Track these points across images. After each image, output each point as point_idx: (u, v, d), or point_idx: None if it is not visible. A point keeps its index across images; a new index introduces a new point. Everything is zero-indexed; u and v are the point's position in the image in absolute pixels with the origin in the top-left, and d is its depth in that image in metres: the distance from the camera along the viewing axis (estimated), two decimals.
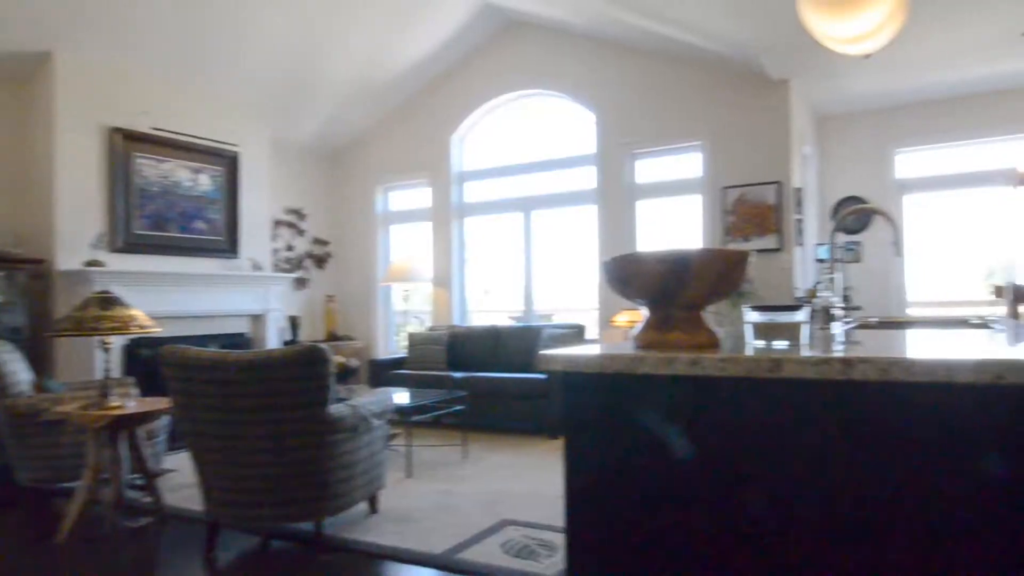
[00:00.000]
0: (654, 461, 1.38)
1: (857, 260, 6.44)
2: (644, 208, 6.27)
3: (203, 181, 5.90)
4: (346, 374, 4.66)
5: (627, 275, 1.57)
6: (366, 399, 3.25)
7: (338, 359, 4.29)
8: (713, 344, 1.55)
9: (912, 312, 6.41)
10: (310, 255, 7.41)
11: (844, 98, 6.10)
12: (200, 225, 5.85)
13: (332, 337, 7.18)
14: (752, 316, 1.60)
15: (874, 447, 1.18)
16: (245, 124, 6.31)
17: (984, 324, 2.36)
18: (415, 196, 7.44)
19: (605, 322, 6.07)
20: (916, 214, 6.42)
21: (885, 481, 1.17)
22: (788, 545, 1.25)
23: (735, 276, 1.55)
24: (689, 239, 5.99)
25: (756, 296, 5.21)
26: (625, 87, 6.16)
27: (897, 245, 2.36)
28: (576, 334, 6.07)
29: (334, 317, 7.35)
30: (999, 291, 4.87)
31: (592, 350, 1.51)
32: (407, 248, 7.48)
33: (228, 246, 6.08)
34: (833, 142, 6.62)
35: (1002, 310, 5.04)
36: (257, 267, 6.28)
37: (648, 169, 6.27)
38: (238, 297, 6.06)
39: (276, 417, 2.77)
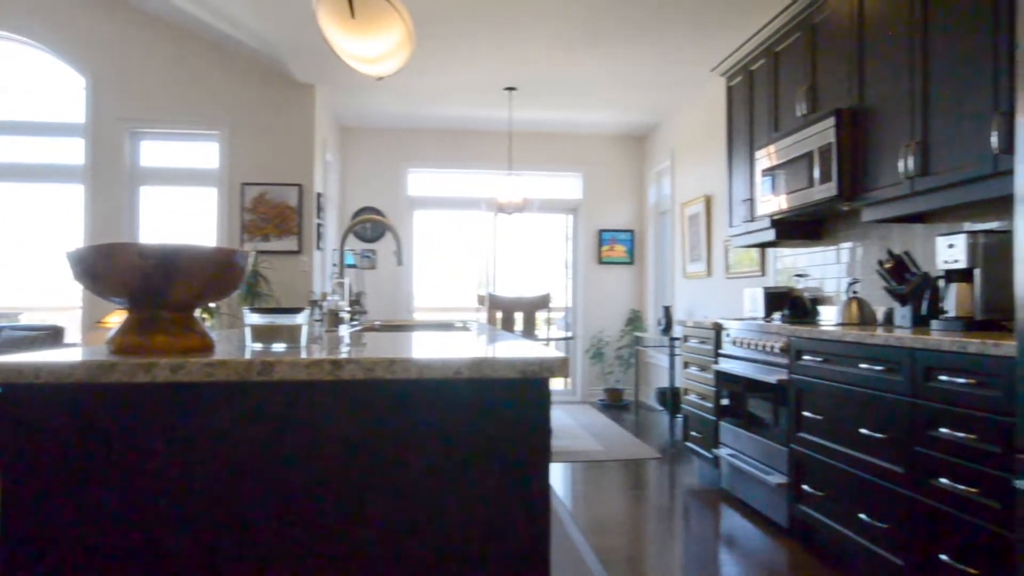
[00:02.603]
0: (124, 487, 1.18)
1: (373, 267, 6.98)
2: (151, 196, 5.62)
3: None
4: None
5: (99, 269, 1.31)
6: None
7: None
8: (206, 348, 1.41)
9: (417, 316, 7.26)
10: None
11: (366, 113, 6.55)
12: None
13: None
14: (251, 318, 1.51)
15: (368, 443, 1.22)
16: None
17: (465, 327, 2.75)
18: None
19: (92, 323, 5.23)
20: (424, 228, 7.31)
21: (376, 475, 1.22)
22: (291, 552, 1.20)
23: (232, 276, 1.45)
24: (203, 234, 5.60)
25: (274, 298, 5.18)
26: (134, 57, 5.43)
27: (398, 255, 2.57)
28: (50, 336, 5.05)
29: None
30: (481, 300, 5.87)
31: (42, 356, 1.22)
32: None
33: None
34: (355, 153, 7.05)
35: (483, 315, 6.09)
36: None
37: (156, 153, 5.64)
38: None
39: None
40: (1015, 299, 1.75)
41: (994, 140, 2.25)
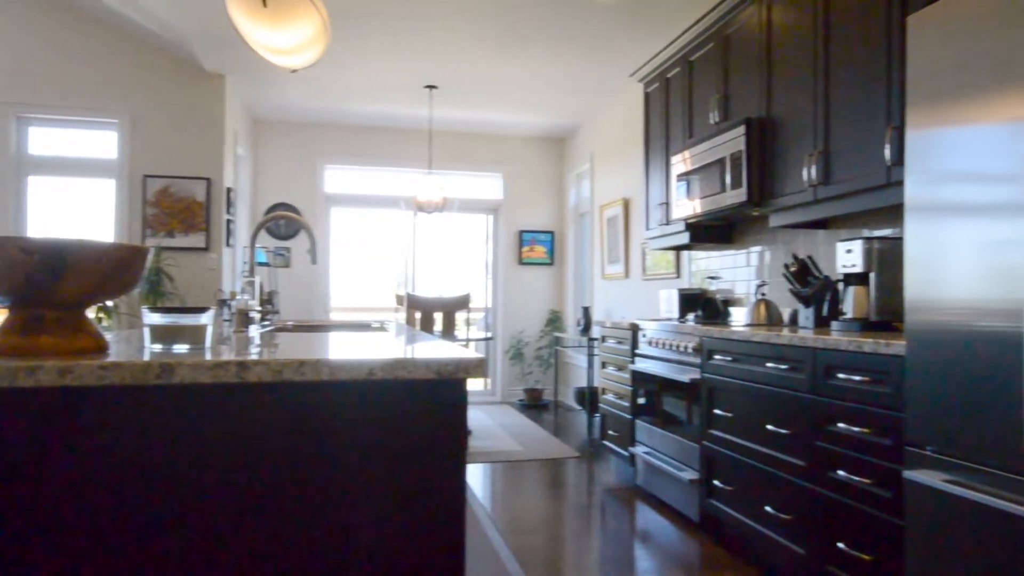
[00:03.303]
0: (4, 499, 1.07)
1: (287, 265, 6.76)
2: (40, 187, 5.23)
3: None
4: None
5: None
6: None
7: None
8: (99, 350, 1.31)
9: (334, 316, 7.08)
10: None
11: (280, 106, 6.34)
12: None
13: None
14: (151, 318, 1.42)
15: (277, 449, 1.16)
16: None
17: (382, 328, 2.70)
18: None
19: None
20: (341, 226, 7.13)
21: (286, 482, 1.16)
22: (194, 565, 1.12)
23: (130, 274, 1.35)
24: (101, 229, 5.26)
25: (179, 297, 4.93)
26: (22, 36, 5.04)
27: (312, 253, 2.49)
28: None
29: None
30: (400, 299, 5.78)
31: None
32: None
33: None
34: (268, 147, 6.81)
35: (402, 315, 5.99)
36: None
37: (47, 140, 5.26)
38: None
39: None
40: (904, 302, 1.86)
41: (887, 153, 2.39)
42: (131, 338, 1.71)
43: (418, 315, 5.22)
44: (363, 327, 2.93)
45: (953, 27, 1.73)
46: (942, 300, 1.74)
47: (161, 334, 1.39)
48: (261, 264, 6.15)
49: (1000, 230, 1.58)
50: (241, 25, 2.53)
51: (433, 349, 1.43)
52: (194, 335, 1.40)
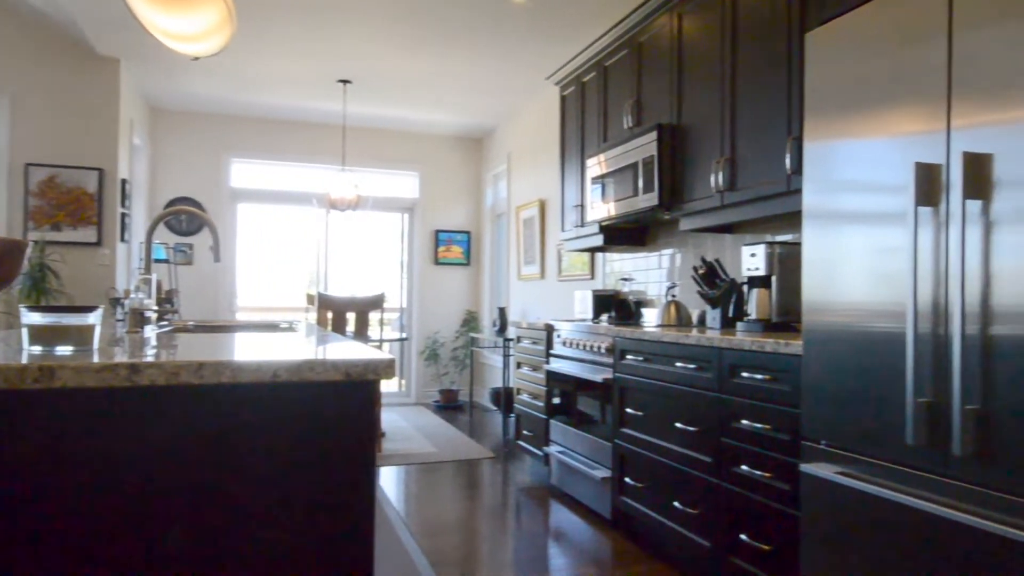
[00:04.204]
0: None
1: (189, 262, 6.43)
2: None
3: None
4: None
5: None
6: None
7: None
8: None
9: (241, 316, 6.79)
10: None
11: (183, 95, 6.01)
12: None
13: None
14: (30, 318, 1.30)
15: (175, 456, 1.09)
16: None
17: (291, 328, 2.60)
18: None
19: None
20: (250, 222, 6.85)
21: (184, 491, 1.09)
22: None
23: (3, 269, 1.24)
24: None
25: (66, 295, 4.58)
26: None
27: (216, 250, 2.37)
28: None
29: None
30: (311, 299, 5.61)
31: None
32: None
33: None
34: (169, 138, 6.45)
35: (313, 316, 5.82)
36: None
37: None
38: None
39: None
40: (802, 304, 1.96)
41: (788, 162, 2.52)
42: (9, 339, 1.56)
43: (330, 315, 5.08)
44: (271, 328, 2.82)
45: (848, 46, 1.83)
46: (836, 302, 1.84)
47: (42, 335, 1.27)
48: (160, 261, 5.82)
49: (887, 237, 1.69)
50: (137, 8, 2.37)
51: (343, 350, 1.38)
52: (80, 336, 1.30)
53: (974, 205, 1.48)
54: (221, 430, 1.12)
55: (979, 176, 1.47)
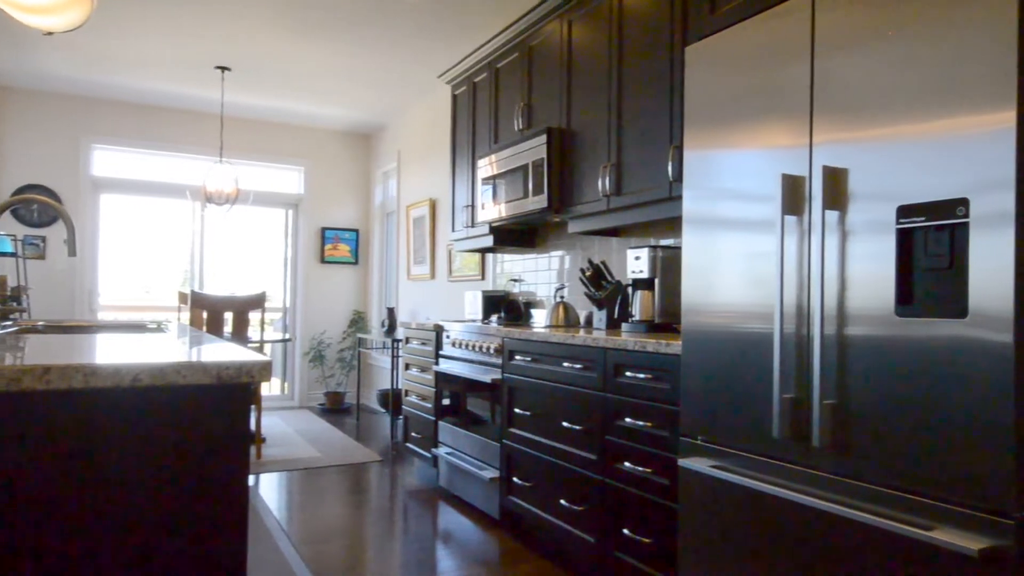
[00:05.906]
0: None
1: (42, 257, 5.86)
2: None
3: None
4: None
5: None
6: None
7: None
8: None
9: (104, 316, 6.26)
10: None
11: (34, 72, 5.47)
12: None
13: None
14: None
15: (11, 471, 0.97)
16: None
17: (160, 328, 2.42)
18: None
19: None
20: (114, 215, 6.32)
21: (32, 504, 0.97)
22: None
23: None
24: None
25: None
26: None
27: (70, 244, 2.16)
28: None
29: None
30: (183, 298, 5.25)
31: None
32: None
33: None
34: (18, 120, 5.85)
35: (186, 315, 5.45)
36: None
37: None
38: None
39: None
40: (681, 305, 2.04)
41: (670, 169, 2.62)
42: None
43: (205, 315, 4.78)
44: (137, 328, 2.61)
45: (724, 61, 1.92)
46: (713, 304, 1.93)
47: None
48: (6, 255, 5.26)
49: (759, 243, 1.79)
50: None
51: (215, 352, 1.29)
52: None
53: (832, 216, 1.59)
54: (75, 440, 1.01)
55: (836, 189, 1.58)
